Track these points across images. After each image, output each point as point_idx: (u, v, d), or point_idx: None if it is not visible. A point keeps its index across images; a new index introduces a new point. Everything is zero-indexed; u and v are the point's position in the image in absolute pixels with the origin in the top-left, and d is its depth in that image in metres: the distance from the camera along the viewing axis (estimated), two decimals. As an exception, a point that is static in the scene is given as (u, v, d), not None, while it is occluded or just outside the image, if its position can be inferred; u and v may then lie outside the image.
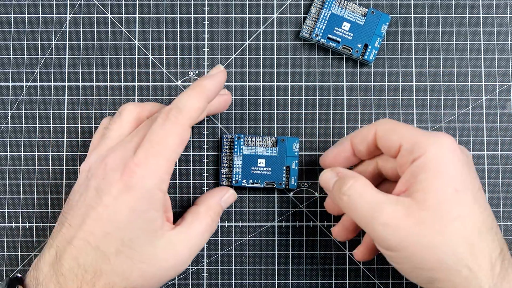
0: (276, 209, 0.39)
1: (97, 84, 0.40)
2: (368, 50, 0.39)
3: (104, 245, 0.29)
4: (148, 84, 0.40)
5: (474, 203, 0.29)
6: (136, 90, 0.40)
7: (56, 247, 0.30)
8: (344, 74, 0.40)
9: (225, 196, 0.36)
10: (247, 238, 0.39)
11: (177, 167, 0.39)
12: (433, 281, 0.29)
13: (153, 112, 0.35)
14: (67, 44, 0.40)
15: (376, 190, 0.30)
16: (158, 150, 0.30)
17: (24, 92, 0.40)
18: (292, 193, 0.39)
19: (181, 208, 0.39)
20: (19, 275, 0.31)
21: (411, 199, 0.29)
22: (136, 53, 0.40)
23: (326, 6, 0.39)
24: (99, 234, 0.29)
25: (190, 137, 0.39)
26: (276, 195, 0.39)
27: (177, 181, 0.39)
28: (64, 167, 0.39)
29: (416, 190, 0.29)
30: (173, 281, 0.38)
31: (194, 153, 0.39)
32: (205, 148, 0.39)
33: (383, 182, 0.35)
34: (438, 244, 0.28)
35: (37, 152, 0.39)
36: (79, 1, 0.40)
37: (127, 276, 0.30)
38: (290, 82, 0.40)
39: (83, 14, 0.40)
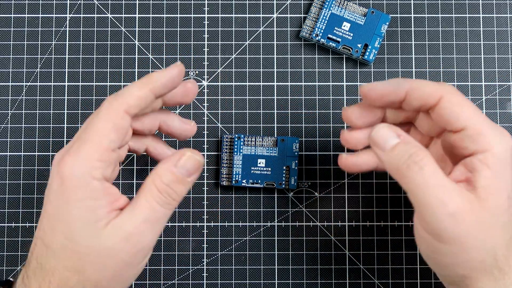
0: (276, 209, 0.39)
1: (97, 84, 0.40)
2: (368, 50, 0.39)
3: (51, 242, 0.29)
4: (148, 84, 0.40)
5: None
6: (136, 90, 0.40)
7: (31, 249, 0.30)
8: (344, 74, 0.40)
9: (181, 161, 0.30)
10: (247, 238, 0.39)
11: (177, 167, 0.39)
12: (464, 279, 0.28)
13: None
14: (67, 44, 0.40)
15: (444, 174, 0.28)
16: (88, 137, 0.29)
17: (24, 92, 0.40)
18: (292, 193, 0.39)
19: (180, 208, 0.39)
20: (11, 279, 0.32)
21: (474, 195, 0.28)
22: (136, 53, 0.40)
23: (326, 6, 0.39)
24: (47, 231, 0.29)
25: (190, 137, 0.38)
26: (276, 195, 0.39)
27: (177, 181, 0.39)
28: (64, 167, 0.39)
29: (479, 186, 0.28)
30: (173, 281, 0.38)
31: (194, 153, 0.39)
32: (205, 148, 0.39)
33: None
34: (488, 246, 0.28)
35: (37, 152, 0.39)
36: (79, 1, 0.40)
37: (78, 269, 0.29)
38: (290, 82, 0.40)
39: (83, 14, 0.40)
